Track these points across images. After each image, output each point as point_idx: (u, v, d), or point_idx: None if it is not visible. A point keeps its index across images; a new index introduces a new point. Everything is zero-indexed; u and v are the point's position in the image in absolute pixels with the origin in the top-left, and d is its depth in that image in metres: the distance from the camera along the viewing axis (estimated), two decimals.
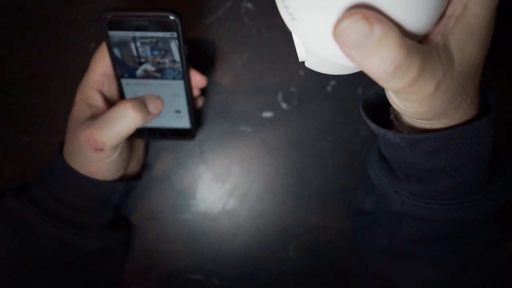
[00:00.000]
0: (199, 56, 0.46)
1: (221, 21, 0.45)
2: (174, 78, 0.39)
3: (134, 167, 0.44)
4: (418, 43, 0.20)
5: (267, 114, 0.46)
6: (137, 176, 0.45)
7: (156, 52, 0.37)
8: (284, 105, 0.46)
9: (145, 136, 0.43)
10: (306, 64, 0.25)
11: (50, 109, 0.46)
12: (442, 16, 0.22)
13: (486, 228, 0.32)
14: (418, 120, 0.26)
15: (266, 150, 0.47)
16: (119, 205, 0.43)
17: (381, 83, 0.20)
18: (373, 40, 0.18)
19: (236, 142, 0.47)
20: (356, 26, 0.18)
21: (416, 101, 0.22)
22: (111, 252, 0.43)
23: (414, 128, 0.28)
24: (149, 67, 0.38)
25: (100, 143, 0.35)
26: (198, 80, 0.39)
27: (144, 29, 0.35)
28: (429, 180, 0.30)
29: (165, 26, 0.35)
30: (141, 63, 0.38)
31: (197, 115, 0.44)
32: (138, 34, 0.35)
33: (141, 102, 0.35)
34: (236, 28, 0.45)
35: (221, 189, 0.47)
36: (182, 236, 0.47)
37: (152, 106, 0.35)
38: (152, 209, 0.47)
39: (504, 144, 0.44)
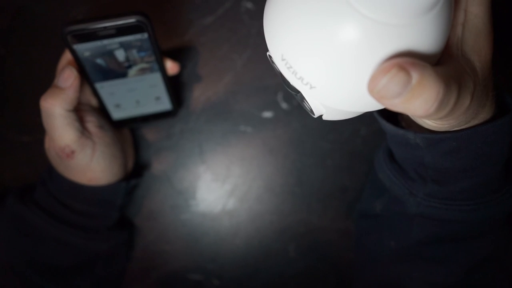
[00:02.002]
0: (199, 56, 0.46)
1: (221, 21, 0.45)
2: (151, 72, 0.39)
3: (129, 164, 0.44)
4: (447, 67, 0.20)
5: (267, 114, 0.46)
6: (137, 174, 0.45)
7: (141, 53, 0.36)
8: (284, 105, 0.46)
9: (127, 125, 0.43)
10: (324, 118, 0.25)
11: None
12: None
13: (499, 228, 0.32)
14: (449, 129, 0.26)
15: (266, 150, 0.47)
16: (124, 204, 0.43)
17: (425, 119, 0.20)
18: (413, 85, 0.18)
19: (236, 142, 0.47)
20: (396, 79, 0.18)
21: (454, 118, 0.22)
22: (116, 252, 0.43)
23: (429, 129, 0.28)
24: (142, 65, 0.38)
25: (66, 148, 0.35)
26: (170, 67, 0.39)
27: (113, 36, 0.34)
28: (446, 181, 0.29)
29: (135, 29, 0.34)
30: (129, 66, 0.37)
31: (176, 95, 0.45)
32: (107, 42, 0.34)
33: (51, 89, 0.35)
34: (236, 28, 0.45)
35: (221, 189, 0.47)
36: (182, 236, 0.47)
37: (61, 81, 0.35)
38: (152, 209, 0.47)
39: None
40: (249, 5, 0.45)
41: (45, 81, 0.45)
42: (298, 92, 0.23)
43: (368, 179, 0.41)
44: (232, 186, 0.47)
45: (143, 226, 0.47)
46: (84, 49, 0.35)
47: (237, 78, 0.46)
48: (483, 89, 0.23)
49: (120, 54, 0.36)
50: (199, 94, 0.46)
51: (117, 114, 0.42)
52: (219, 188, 0.47)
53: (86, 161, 0.37)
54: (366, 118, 0.46)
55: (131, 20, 0.33)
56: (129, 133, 0.45)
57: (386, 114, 0.32)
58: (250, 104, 0.46)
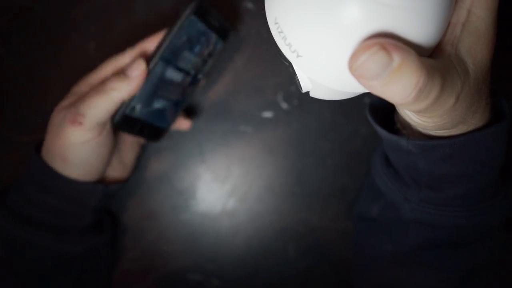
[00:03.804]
0: None
1: None
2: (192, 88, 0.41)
3: (117, 172, 0.42)
4: (434, 60, 0.20)
5: (267, 114, 0.46)
6: (121, 182, 0.43)
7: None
8: (284, 105, 0.46)
9: (125, 127, 0.40)
10: (311, 94, 0.25)
11: (50, 109, 0.46)
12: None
13: (495, 235, 0.32)
14: (436, 131, 0.26)
15: (266, 150, 0.47)
16: (101, 208, 0.41)
17: (403, 107, 0.20)
18: (393, 68, 0.18)
19: (236, 142, 0.47)
20: (375, 58, 0.17)
21: (437, 116, 0.22)
22: (95, 253, 0.42)
23: (423, 134, 0.28)
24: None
25: (79, 115, 0.34)
26: (182, 123, 0.43)
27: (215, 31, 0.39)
28: (440, 187, 0.29)
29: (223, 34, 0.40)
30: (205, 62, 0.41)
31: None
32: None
33: (118, 76, 0.35)
34: (236, 28, 0.45)
35: (221, 189, 0.47)
36: (182, 236, 0.47)
37: (130, 70, 0.35)
38: (151, 209, 0.47)
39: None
40: (249, 5, 0.45)
41: (45, 81, 0.45)
42: (290, 62, 0.23)
43: (365, 181, 0.41)
44: (232, 186, 0.47)
45: (143, 226, 0.47)
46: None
47: (237, 78, 0.46)
48: (475, 93, 0.23)
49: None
50: (199, 94, 0.46)
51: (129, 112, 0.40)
52: (219, 188, 0.47)
53: (81, 140, 0.35)
54: (366, 118, 0.46)
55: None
56: (134, 145, 0.44)
57: (381, 117, 0.32)
58: (250, 104, 0.46)
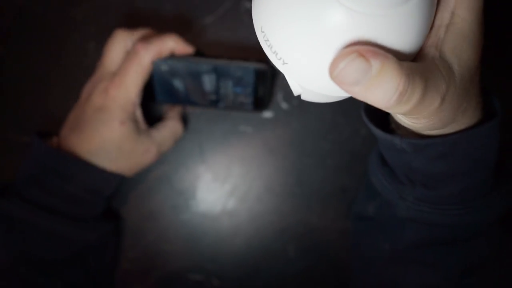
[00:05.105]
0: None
1: (221, 21, 0.45)
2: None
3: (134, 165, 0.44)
4: (416, 63, 0.20)
5: (267, 114, 0.46)
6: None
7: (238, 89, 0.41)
8: (284, 105, 0.46)
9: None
10: (303, 98, 0.25)
11: (50, 109, 0.46)
12: (430, 28, 0.22)
13: (491, 231, 0.32)
14: (427, 131, 0.26)
15: (266, 150, 0.47)
16: (111, 196, 0.43)
17: (387, 110, 0.20)
18: (372, 74, 0.18)
19: (236, 142, 0.47)
20: (353, 65, 0.18)
21: (424, 117, 0.22)
22: (106, 243, 0.43)
23: (417, 134, 0.28)
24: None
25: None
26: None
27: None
28: (435, 185, 0.29)
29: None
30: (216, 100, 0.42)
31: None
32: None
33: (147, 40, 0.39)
34: (236, 28, 0.45)
35: (221, 189, 0.47)
36: (182, 236, 0.47)
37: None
38: (151, 209, 0.47)
39: (504, 145, 0.44)
40: (249, 5, 0.45)
41: (45, 81, 0.46)
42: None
43: (364, 180, 0.41)
44: (232, 186, 0.47)
45: (143, 226, 0.47)
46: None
47: None
48: (462, 93, 0.23)
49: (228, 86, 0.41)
50: None
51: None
52: (219, 188, 0.47)
53: (121, 111, 0.39)
54: None
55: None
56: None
57: (377, 117, 0.32)
58: None
